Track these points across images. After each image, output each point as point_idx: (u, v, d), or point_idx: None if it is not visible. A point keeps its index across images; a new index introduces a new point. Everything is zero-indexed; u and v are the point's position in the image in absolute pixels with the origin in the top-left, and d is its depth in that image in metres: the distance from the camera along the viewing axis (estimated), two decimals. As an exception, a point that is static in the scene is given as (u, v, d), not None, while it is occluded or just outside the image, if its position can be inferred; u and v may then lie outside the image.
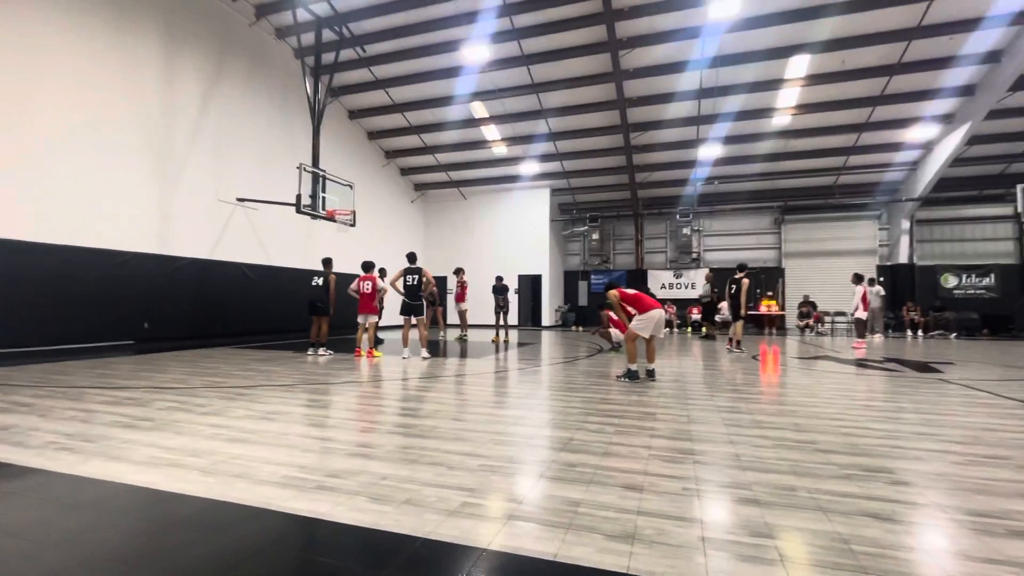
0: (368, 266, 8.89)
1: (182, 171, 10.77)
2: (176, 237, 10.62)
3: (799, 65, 12.98)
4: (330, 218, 11.81)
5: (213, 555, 1.81)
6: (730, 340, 9.98)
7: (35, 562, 1.76)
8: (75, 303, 8.77)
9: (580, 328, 18.86)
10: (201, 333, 11.01)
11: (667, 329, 17.53)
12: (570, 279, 21.72)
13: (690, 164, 17.49)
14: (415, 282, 8.41)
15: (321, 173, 11.66)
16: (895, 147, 15.92)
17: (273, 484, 2.51)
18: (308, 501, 2.29)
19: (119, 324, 9.50)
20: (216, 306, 11.41)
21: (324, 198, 11.70)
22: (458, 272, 13.09)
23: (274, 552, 1.84)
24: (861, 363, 8.23)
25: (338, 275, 9.28)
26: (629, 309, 6.13)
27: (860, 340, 11.13)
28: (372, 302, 8.68)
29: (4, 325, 7.86)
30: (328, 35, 12.56)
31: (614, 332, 9.77)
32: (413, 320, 8.49)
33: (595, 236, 20.85)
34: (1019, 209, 14.30)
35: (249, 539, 1.94)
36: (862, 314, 11.12)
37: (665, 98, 14.54)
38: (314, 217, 11.61)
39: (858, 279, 11.17)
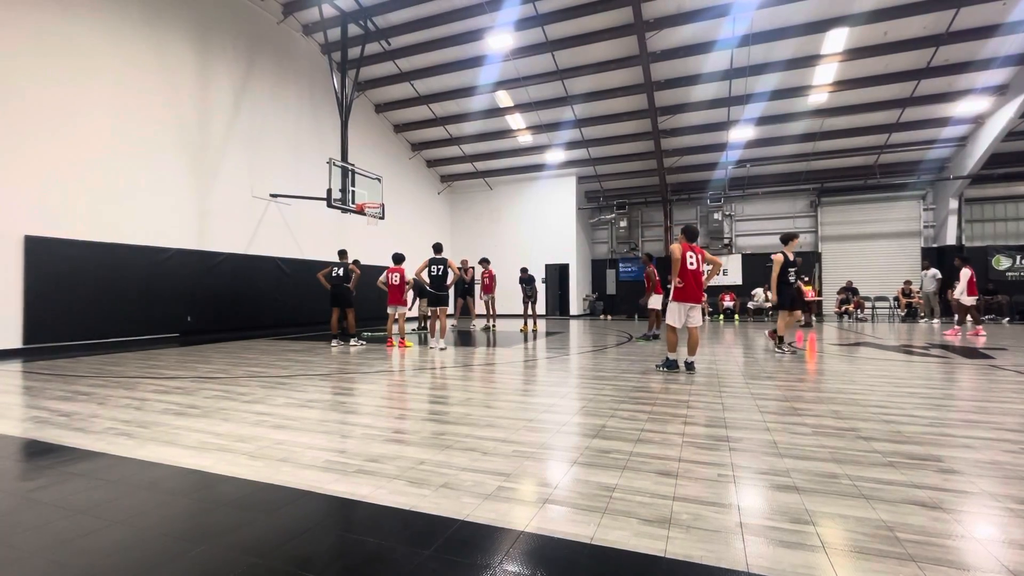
0: (399, 258, 9.07)
1: (218, 169, 11.11)
2: (214, 233, 10.99)
3: (837, 39, 12.37)
4: (360, 211, 12.00)
5: (264, 534, 1.91)
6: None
7: (103, 536, 1.89)
8: (125, 298, 9.21)
9: (608, 317, 18.70)
10: (240, 325, 11.42)
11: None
12: (598, 267, 21.51)
13: (720, 147, 16.97)
14: (440, 272, 8.50)
15: (350, 167, 11.86)
16: (942, 122, 15.05)
17: (316, 468, 2.61)
18: (350, 484, 2.38)
19: (164, 318, 9.94)
20: (253, 299, 11.79)
21: (353, 192, 11.91)
22: (483, 263, 13.04)
23: (320, 532, 1.92)
24: (906, 349, 7.91)
25: (359, 264, 9.86)
26: (676, 280, 5.85)
27: (977, 326, 10.28)
28: (402, 294, 8.86)
29: (63, 320, 8.33)
30: (353, 29, 12.68)
31: (651, 301, 9.44)
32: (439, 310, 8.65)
33: (623, 223, 20.52)
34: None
35: (296, 519, 2.03)
36: (968, 299, 10.38)
37: (693, 80, 14.11)
38: (344, 211, 11.82)
39: (964, 260, 10.63)
